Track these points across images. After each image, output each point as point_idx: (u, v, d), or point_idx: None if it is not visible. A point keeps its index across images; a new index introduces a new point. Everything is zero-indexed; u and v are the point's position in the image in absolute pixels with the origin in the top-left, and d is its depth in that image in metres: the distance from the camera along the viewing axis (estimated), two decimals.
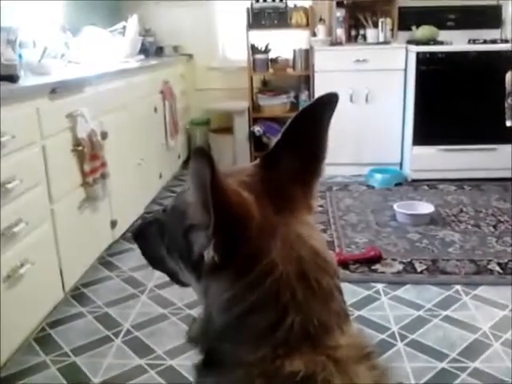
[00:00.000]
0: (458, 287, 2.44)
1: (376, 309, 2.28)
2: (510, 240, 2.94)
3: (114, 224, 2.84)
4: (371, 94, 4.11)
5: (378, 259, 2.68)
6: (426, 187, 3.94)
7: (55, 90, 2.23)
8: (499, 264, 2.64)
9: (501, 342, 2.01)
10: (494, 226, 3.15)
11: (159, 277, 2.62)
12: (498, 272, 2.57)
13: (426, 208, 3.27)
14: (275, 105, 4.47)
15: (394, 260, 2.71)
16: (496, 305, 2.29)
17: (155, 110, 3.61)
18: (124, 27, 3.70)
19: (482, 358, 1.92)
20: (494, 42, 4.05)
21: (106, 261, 2.81)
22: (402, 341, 2.03)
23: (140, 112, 3.31)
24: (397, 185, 3.97)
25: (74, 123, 2.34)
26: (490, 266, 2.62)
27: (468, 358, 1.91)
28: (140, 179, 3.27)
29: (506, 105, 3.86)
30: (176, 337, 2.10)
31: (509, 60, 3.81)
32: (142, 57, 3.83)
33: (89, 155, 2.41)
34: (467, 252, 2.80)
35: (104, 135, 2.64)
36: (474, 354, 1.94)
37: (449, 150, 4.00)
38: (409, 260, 2.71)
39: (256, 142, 4.48)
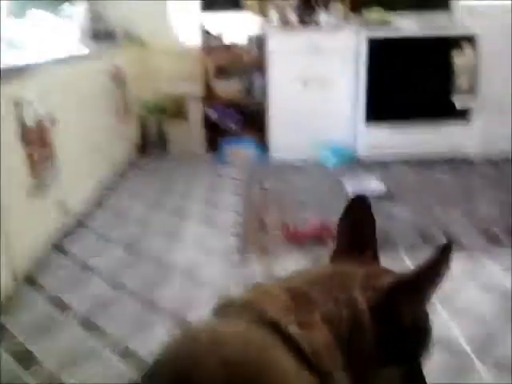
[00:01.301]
0: (405, 259, 2.52)
1: None
2: (456, 214, 3.05)
3: (65, 210, 2.80)
4: (324, 78, 4.16)
5: (329, 235, 2.74)
6: (377, 166, 4.03)
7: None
8: (446, 237, 2.74)
9: (447, 309, 2.10)
10: (442, 203, 3.26)
11: (112, 260, 2.62)
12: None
13: (376, 186, 3.35)
14: (229, 89, 4.47)
15: None
16: None
17: (106, 94, 3.56)
18: (73, 11, 3.62)
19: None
20: (442, 25, 4.15)
21: (57, 246, 2.77)
22: None
23: (90, 97, 3.26)
24: (349, 164, 4.05)
25: (21, 110, 2.29)
26: (435, 237, 2.73)
27: None
28: (90, 165, 3.24)
29: (454, 85, 3.99)
30: (130, 318, 2.11)
31: (456, 42, 3.93)
32: (92, 41, 3.77)
33: (37, 142, 2.37)
34: (415, 226, 2.89)
35: (53, 121, 2.59)
36: None
37: (399, 130, 4.10)
38: None
39: (211, 126, 4.48)
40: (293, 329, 0.62)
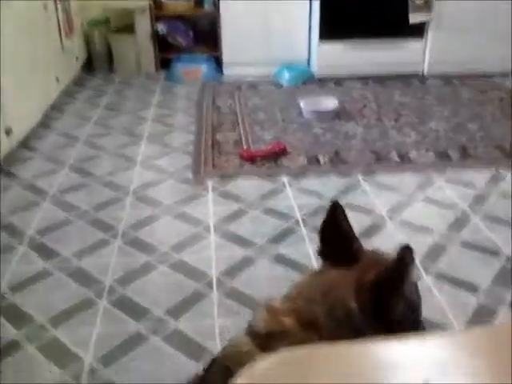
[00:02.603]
0: (359, 176, 2.55)
1: (281, 199, 2.35)
2: (409, 131, 3.08)
3: (8, 132, 2.67)
4: None
5: (283, 154, 2.73)
6: (332, 84, 3.99)
7: None
8: (398, 154, 2.77)
9: (396, 222, 2.16)
10: (395, 120, 3.28)
11: (62, 182, 2.54)
12: (396, 161, 2.71)
13: (331, 104, 3.32)
14: (178, 2, 4.24)
15: (299, 155, 2.77)
16: (393, 190, 2.43)
17: (45, 8, 3.32)
18: None
19: (379, 237, 2.06)
20: None
21: (3, 171, 2.66)
22: (305, 226, 2.13)
23: (28, 10, 3.03)
24: (304, 82, 3.99)
25: None
26: (389, 156, 2.75)
27: (366, 238, 2.01)
28: (34, 83, 3.06)
29: (409, 1, 3.90)
30: (82, 239, 2.08)
31: None
32: None
33: None
34: (369, 144, 2.91)
35: None
36: (371, 234, 2.07)
37: (355, 47, 4.02)
38: (313, 154, 2.78)
39: (160, 42, 4.28)
40: None
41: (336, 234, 0.87)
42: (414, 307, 0.84)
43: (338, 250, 0.86)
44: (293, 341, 0.76)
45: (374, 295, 0.78)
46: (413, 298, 0.84)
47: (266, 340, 0.78)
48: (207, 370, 0.88)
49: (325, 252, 0.89)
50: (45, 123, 3.26)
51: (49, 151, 2.91)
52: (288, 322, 0.79)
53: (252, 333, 0.82)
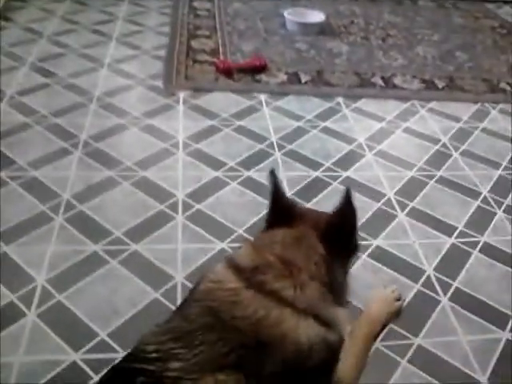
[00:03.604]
0: (340, 99, 2.42)
1: (257, 119, 2.21)
2: (395, 54, 2.92)
3: None
4: None
5: (263, 69, 2.56)
6: None
7: None
8: (383, 78, 2.63)
9: (374, 152, 2.06)
10: (383, 40, 3.10)
11: (21, 83, 2.34)
12: (381, 86, 2.57)
13: (316, 17, 3.10)
14: None
15: (279, 70, 2.60)
16: (374, 117, 2.31)
17: None
18: None
19: (355, 167, 1.96)
20: None
21: None
22: (279, 150, 2.01)
23: None
24: None
25: None
26: (373, 80, 2.61)
27: (341, 168, 1.94)
28: None
29: None
30: (40, 146, 1.93)
31: None
32: None
33: None
34: (353, 64, 2.75)
35: None
36: (347, 164, 1.97)
37: None
38: (294, 70, 2.61)
39: None
40: (290, 293, 0.84)
41: (280, 199, 0.99)
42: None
43: (284, 213, 0.97)
44: (276, 274, 0.84)
45: (334, 232, 0.92)
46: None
47: (251, 274, 0.83)
48: (181, 309, 0.86)
49: (272, 218, 0.98)
50: (4, 15, 2.98)
51: (8, 47, 2.66)
52: (272, 258, 0.86)
53: (236, 266, 0.86)
